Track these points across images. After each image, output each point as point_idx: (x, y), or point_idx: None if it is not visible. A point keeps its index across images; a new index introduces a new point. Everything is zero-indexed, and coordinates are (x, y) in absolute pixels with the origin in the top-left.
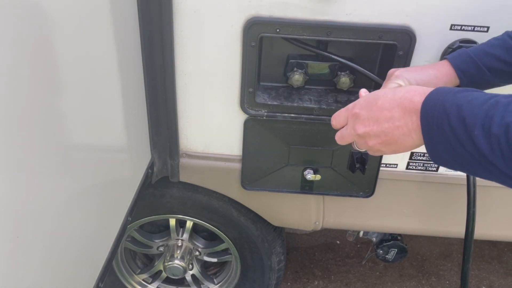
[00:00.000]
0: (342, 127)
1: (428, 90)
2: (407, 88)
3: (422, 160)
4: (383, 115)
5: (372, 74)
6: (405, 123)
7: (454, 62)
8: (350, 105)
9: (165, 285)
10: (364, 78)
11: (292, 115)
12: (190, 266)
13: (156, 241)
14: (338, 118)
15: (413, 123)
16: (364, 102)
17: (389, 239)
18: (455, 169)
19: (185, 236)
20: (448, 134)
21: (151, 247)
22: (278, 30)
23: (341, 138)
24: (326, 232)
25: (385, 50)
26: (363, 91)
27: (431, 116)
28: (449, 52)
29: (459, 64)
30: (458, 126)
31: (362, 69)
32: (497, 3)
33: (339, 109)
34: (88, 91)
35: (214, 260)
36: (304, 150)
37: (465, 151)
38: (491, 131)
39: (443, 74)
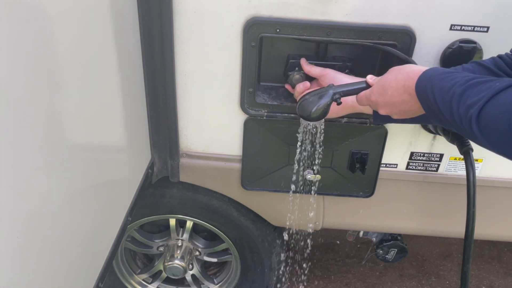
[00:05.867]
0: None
1: (420, 71)
2: (405, 75)
3: (422, 160)
4: (396, 100)
5: (405, 55)
6: (415, 102)
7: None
8: (368, 92)
9: (165, 285)
10: (365, 77)
11: (292, 115)
12: (190, 266)
13: (156, 241)
14: (361, 102)
15: (417, 102)
16: (377, 91)
17: (389, 239)
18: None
19: (185, 236)
20: (435, 112)
21: (151, 247)
22: (278, 30)
23: (361, 104)
24: (326, 232)
25: (386, 50)
26: (369, 77)
27: (423, 98)
28: (449, 53)
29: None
30: (437, 109)
31: (397, 51)
32: (497, 3)
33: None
34: (88, 91)
35: (214, 260)
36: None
37: (444, 122)
38: (454, 118)
39: None
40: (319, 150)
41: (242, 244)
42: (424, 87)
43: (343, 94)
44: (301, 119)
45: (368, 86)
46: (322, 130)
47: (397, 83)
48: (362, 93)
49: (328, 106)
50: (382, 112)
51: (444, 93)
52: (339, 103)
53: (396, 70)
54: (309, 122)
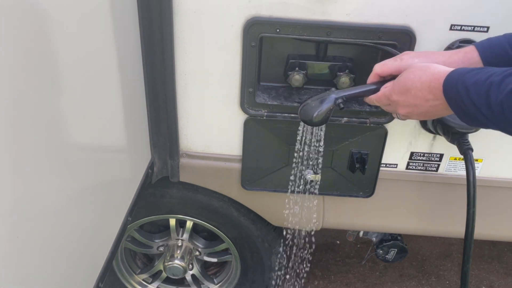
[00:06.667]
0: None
1: (447, 72)
2: (430, 76)
3: (422, 160)
4: (419, 102)
5: (394, 50)
6: (439, 103)
7: (482, 52)
8: (387, 91)
9: (165, 285)
10: (365, 77)
11: (292, 115)
12: (190, 266)
13: (156, 241)
14: (380, 101)
15: (444, 102)
16: (399, 90)
17: (389, 239)
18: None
19: (185, 236)
20: (467, 109)
21: (151, 247)
22: (278, 30)
23: (379, 104)
24: (326, 232)
25: (385, 50)
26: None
27: (452, 97)
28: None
29: (488, 56)
30: (470, 105)
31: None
32: (497, 3)
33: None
34: (88, 91)
35: (214, 260)
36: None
37: (478, 118)
38: (492, 109)
39: (470, 63)
40: (320, 150)
41: (242, 244)
42: (455, 84)
43: (346, 98)
44: (301, 123)
45: (376, 90)
46: (323, 134)
47: (421, 84)
48: (381, 92)
49: (330, 111)
50: (401, 112)
51: (479, 86)
52: (341, 108)
53: (419, 70)
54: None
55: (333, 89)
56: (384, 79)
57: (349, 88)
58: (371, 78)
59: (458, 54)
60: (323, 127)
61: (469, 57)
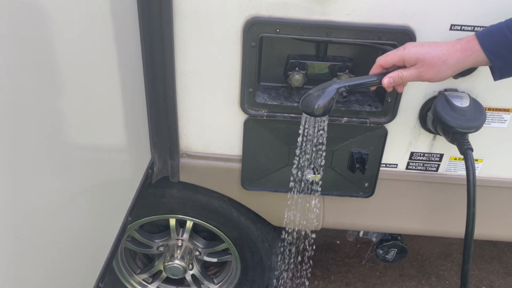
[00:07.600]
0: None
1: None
2: (454, 42)
3: (422, 160)
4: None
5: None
6: (471, 52)
7: (483, 41)
8: (414, 71)
9: (165, 285)
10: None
11: (292, 115)
12: (190, 266)
13: (156, 241)
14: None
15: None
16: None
17: (389, 239)
18: None
19: (185, 236)
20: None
21: (151, 247)
22: (278, 30)
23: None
24: (326, 232)
25: (385, 50)
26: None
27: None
28: None
29: (489, 46)
30: None
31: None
32: (497, 3)
33: (338, 109)
34: (88, 91)
35: (214, 260)
36: None
37: None
38: None
39: (472, 51)
40: (320, 150)
41: (242, 244)
42: (497, 31)
43: (349, 88)
44: (303, 116)
45: (379, 81)
46: (325, 128)
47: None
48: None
49: (332, 101)
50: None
51: None
52: (344, 97)
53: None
54: (311, 118)
55: (335, 79)
56: (387, 70)
57: (351, 78)
58: (374, 70)
59: (460, 43)
60: (326, 119)
61: (471, 45)
